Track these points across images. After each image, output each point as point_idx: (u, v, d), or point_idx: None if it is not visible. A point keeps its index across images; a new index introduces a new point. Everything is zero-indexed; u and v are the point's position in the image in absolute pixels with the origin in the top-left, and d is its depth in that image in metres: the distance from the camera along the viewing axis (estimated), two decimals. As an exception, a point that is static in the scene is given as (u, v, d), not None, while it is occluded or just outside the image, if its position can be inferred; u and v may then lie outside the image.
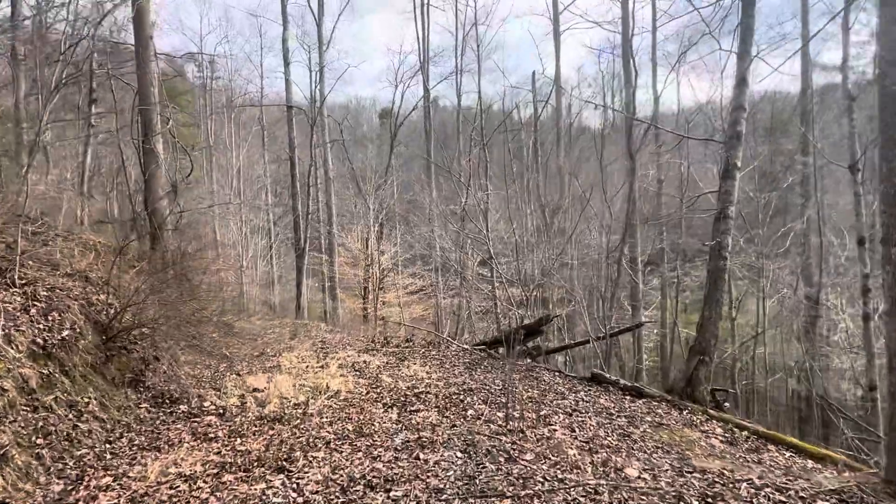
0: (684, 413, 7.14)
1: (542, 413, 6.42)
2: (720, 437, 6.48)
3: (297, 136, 25.38)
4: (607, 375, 8.05)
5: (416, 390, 7.42)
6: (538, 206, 14.08)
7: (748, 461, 5.94)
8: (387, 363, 9.39)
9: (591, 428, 6.12)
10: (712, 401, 7.81)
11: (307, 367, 8.97)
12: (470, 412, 6.34)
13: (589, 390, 7.73)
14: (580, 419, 6.36)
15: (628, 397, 7.57)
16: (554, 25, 25.15)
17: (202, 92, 33.55)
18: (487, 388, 7.54)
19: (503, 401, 6.77)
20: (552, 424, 6.06)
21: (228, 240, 25.94)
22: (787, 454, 6.31)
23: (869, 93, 10.82)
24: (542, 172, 18.11)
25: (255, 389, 7.12)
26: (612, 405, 7.10)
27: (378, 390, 7.45)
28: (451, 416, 6.18)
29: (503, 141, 24.44)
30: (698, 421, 6.92)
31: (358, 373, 8.52)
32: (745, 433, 6.70)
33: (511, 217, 12.73)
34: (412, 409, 6.52)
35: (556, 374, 8.70)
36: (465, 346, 11.08)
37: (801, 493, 4.51)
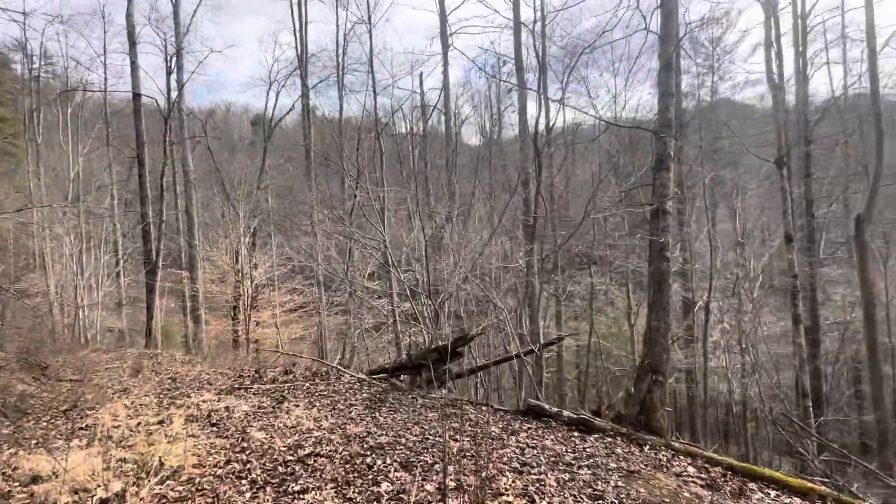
0: (646, 450, 5.79)
1: (484, 475, 4.62)
2: (699, 481, 5.17)
3: (151, 133, 21.42)
4: (546, 407, 6.51)
5: (300, 451, 5.25)
6: (447, 208, 12.49)
7: (742, 512, 4.67)
8: (259, 408, 7.02)
9: (553, 491, 4.45)
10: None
11: (139, 424, 6.31)
12: (385, 486, 4.35)
13: (529, 428, 6.11)
14: (535, 478, 4.66)
15: (576, 433, 6.08)
16: (442, 28, 24.07)
17: (33, 84, 27.66)
18: (402, 439, 5.58)
19: (429, 461, 4.87)
20: (504, 494, 4.29)
21: (59, 256, 20.99)
22: (773, 493, 5.19)
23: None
24: (453, 173, 16.64)
25: (32, 480, 4.43)
26: (564, 448, 5.53)
27: (244, 457, 5.14)
28: (358, 498, 4.14)
29: (393, 145, 22.73)
30: (665, 459, 5.60)
31: (215, 428, 6.08)
32: (719, 469, 5.50)
33: (413, 214, 10.94)
34: (296, 488, 4.37)
35: (482, 407, 6.99)
36: (361, 376, 8.99)
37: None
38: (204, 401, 7.40)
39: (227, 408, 6.98)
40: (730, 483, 5.23)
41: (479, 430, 5.64)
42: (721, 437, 18.22)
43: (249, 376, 9.25)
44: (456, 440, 5.51)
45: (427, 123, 24.66)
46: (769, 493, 5.16)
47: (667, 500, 4.60)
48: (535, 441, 5.64)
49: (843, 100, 16.15)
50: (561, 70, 15.76)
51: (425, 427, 5.98)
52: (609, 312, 22.70)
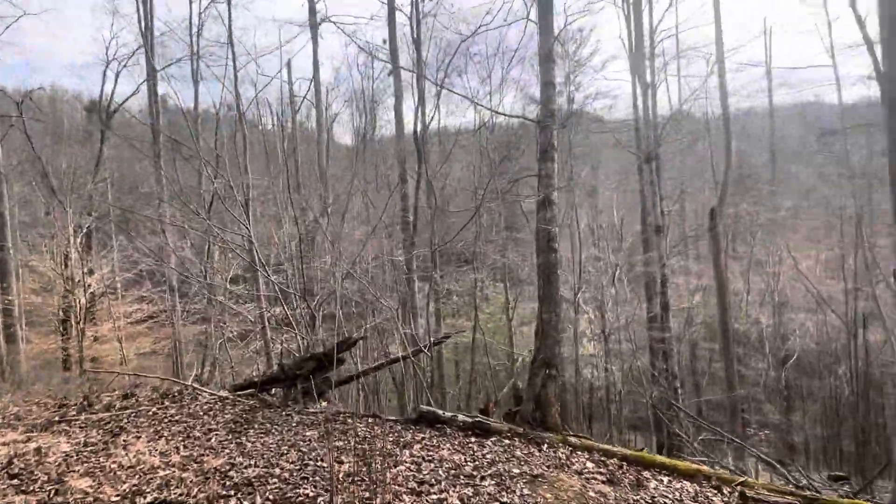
0: (545, 448, 5.53)
1: (378, 502, 3.94)
2: (600, 477, 5.00)
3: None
4: (440, 412, 5.99)
5: (140, 500, 4.11)
6: (322, 202, 11.43)
7: (644, 505, 4.55)
8: (85, 445, 5.57)
9: (458, 511, 3.92)
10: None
11: None
12: (255, 536, 3.46)
13: (423, 439, 5.53)
14: (436, 499, 4.09)
15: (473, 439, 5.63)
16: (311, 15, 22.63)
17: None
18: (275, 468, 4.66)
19: (310, 493, 4.06)
20: (404, 524, 3.65)
21: None
22: (666, 479, 5.21)
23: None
24: (326, 166, 15.45)
25: None
26: (463, 457, 5.04)
27: (56, 518, 3.87)
28: (219, 558, 3.22)
29: (259, 136, 20.79)
30: (564, 457, 5.38)
31: (16, 482, 4.61)
32: (615, 461, 5.42)
33: (282, 209, 9.77)
34: (131, 554, 3.31)
35: (370, 419, 6.26)
36: (223, 394, 7.74)
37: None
38: (4, 443, 5.71)
39: (38, 450, 5.42)
40: (627, 475, 5.14)
41: (368, 448, 4.93)
42: (586, 419, 19.39)
43: (76, 404, 7.49)
44: (341, 461, 4.74)
45: (296, 114, 23.05)
46: (662, 481, 5.16)
47: (574, 504, 4.31)
48: (431, 453, 5.07)
49: (681, 110, 18.18)
50: (440, 60, 15.49)
51: (304, 450, 5.12)
52: (484, 308, 23.13)
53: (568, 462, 5.22)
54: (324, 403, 6.86)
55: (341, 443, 5.29)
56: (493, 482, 4.50)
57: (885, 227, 10.38)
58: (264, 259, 9.57)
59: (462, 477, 4.56)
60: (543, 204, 7.18)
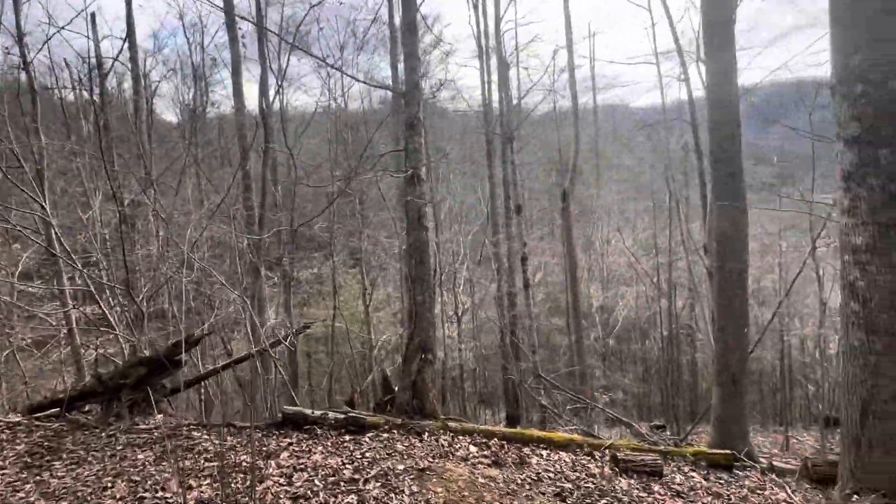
0: (427, 438, 5.20)
1: (245, 533, 3.23)
2: (485, 461, 4.83)
3: None
4: (308, 412, 5.30)
5: None
6: (143, 182, 9.59)
7: (531, 482, 4.48)
8: None
9: (344, 525, 3.38)
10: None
11: None
12: None
13: (290, 445, 4.81)
14: (317, 514, 3.50)
15: (348, 437, 5.08)
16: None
17: None
18: (96, 509, 3.62)
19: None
20: (281, 555, 3.01)
21: None
22: (545, 453, 5.24)
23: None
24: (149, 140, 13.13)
25: None
26: (340, 460, 4.47)
27: None
28: None
29: (59, 106, 17.10)
30: (447, 444, 5.11)
31: None
32: (495, 441, 5.31)
33: (90, 186, 7.92)
34: None
35: (221, 429, 5.32)
36: (14, 419, 6.05)
37: None
38: None
39: None
40: (510, 454, 5.06)
41: (223, 465, 4.10)
42: (440, 398, 19.84)
43: None
44: (191, 486, 3.86)
45: (105, 79, 19.48)
46: (542, 455, 5.18)
47: (466, 494, 4.04)
48: (302, 460, 4.41)
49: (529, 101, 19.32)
50: (284, 30, 14.10)
51: (137, 478, 4.09)
52: (337, 296, 22.23)
53: (452, 449, 4.97)
54: (160, 417, 5.70)
55: (188, 462, 4.35)
56: (379, 484, 4.04)
57: (698, 209, 12.12)
58: (69, 247, 7.72)
59: (343, 483, 4.01)
60: (412, 179, 6.80)
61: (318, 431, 5.09)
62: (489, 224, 16.69)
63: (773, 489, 5.15)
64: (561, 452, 5.31)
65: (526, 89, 15.45)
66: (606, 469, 4.96)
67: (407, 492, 3.95)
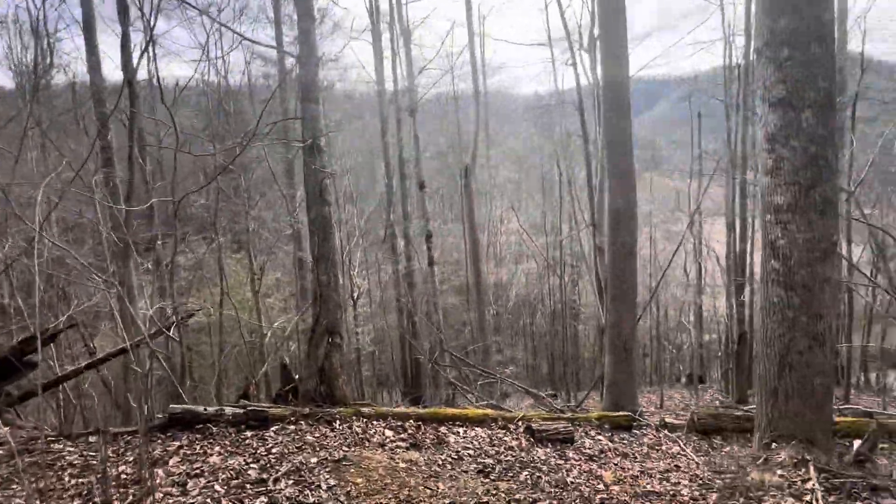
0: (338, 426, 4.84)
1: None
2: (403, 444, 4.60)
3: None
4: (200, 409, 4.66)
5: None
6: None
7: (452, 461, 4.36)
8: None
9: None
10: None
11: None
12: None
13: (179, 447, 4.19)
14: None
15: (249, 433, 4.55)
16: None
17: None
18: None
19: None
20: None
21: None
22: (461, 430, 5.15)
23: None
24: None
25: None
26: (243, 459, 3.97)
27: None
28: None
29: None
30: (361, 430, 4.80)
31: None
32: (411, 423, 5.10)
33: None
34: None
35: (89, 438, 4.51)
36: None
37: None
38: None
39: None
40: (427, 435, 4.89)
41: (98, 481, 3.43)
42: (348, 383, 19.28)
43: None
44: (53, 512, 3.17)
45: None
46: (458, 433, 5.09)
47: (388, 482, 3.79)
48: (197, 465, 3.85)
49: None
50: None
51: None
52: (220, 282, 20.54)
53: (367, 436, 4.67)
54: (5, 430, 4.69)
55: (48, 482, 3.59)
56: (291, 481, 3.63)
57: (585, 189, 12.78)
58: None
59: (249, 485, 3.55)
60: (312, 150, 6.25)
61: (214, 430, 4.50)
62: (387, 202, 16.26)
63: (668, 444, 5.54)
64: (477, 428, 5.25)
65: (421, 66, 15.17)
66: (523, 441, 4.98)
67: (324, 486, 3.60)
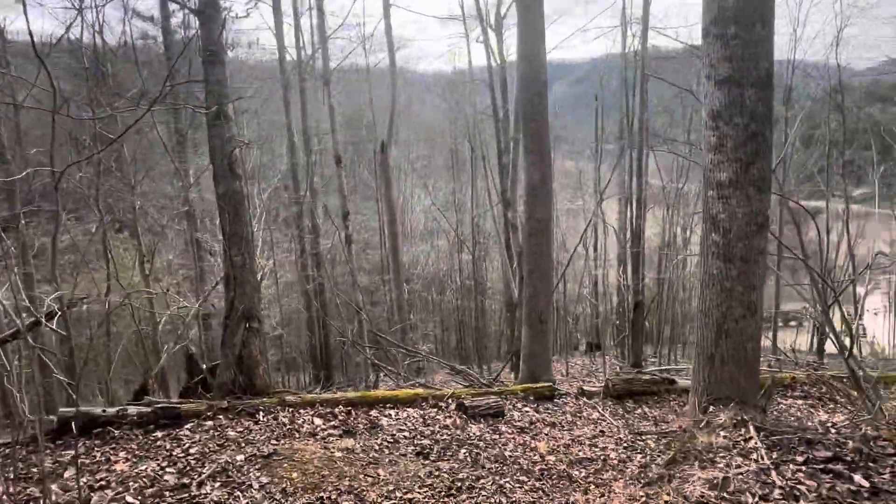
0: (262, 418, 4.48)
1: None
2: (336, 432, 4.38)
3: None
4: (96, 410, 4.07)
5: None
6: None
7: (389, 445, 4.23)
8: None
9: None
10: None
11: None
12: None
13: (76, 457, 3.61)
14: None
15: (160, 433, 4.06)
16: None
17: None
18: None
19: None
20: None
21: None
22: (392, 412, 5.02)
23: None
24: None
25: None
26: (157, 464, 3.53)
27: None
28: None
29: None
30: (289, 421, 4.49)
31: None
32: (340, 409, 4.87)
33: None
34: None
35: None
36: None
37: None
38: None
39: None
40: (359, 420, 4.70)
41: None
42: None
43: None
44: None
45: None
46: (391, 415, 4.96)
47: (325, 473, 3.57)
48: (101, 475, 3.36)
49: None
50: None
51: None
52: (103, 267, 18.41)
53: (296, 426, 4.38)
54: None
55: None
56: (218, 483, 3.30)
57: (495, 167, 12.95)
58: None
59: (168, 493, 3.16)
60: (217, 118, 5.64)
61: (116, 433, 3.97)
62: (293, 178, 15.36)
63: (588, 410, 5.83)
64: (408, 409, 5.15)
65: (331, 34, 14.32)
66: (457, 419, 4.96)
67: (255, 485, 3.30)
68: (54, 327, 4.73)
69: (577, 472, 3.86)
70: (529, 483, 3.66)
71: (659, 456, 4.33)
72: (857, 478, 1.98)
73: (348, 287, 12.04)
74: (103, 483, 3.23)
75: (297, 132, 14.72)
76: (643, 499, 2.03)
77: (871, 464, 2.08)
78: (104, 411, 4.08)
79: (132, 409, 4.16)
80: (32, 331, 4.90)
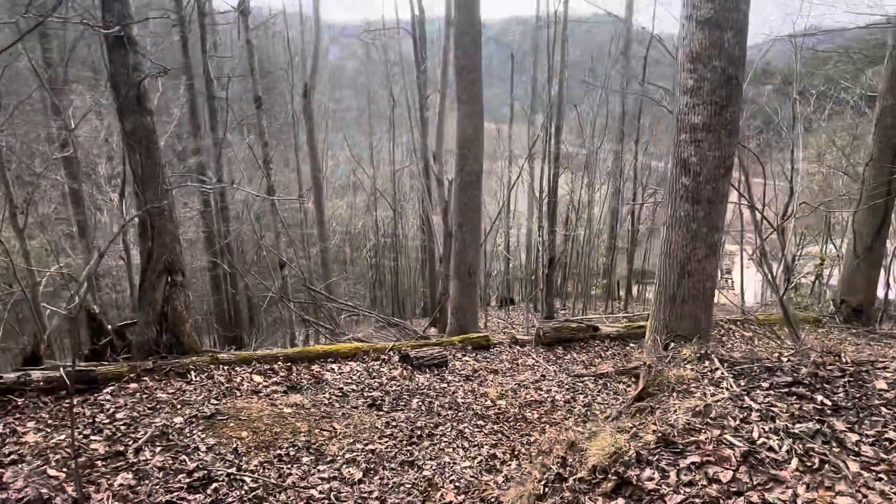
0: (195, 378, 4.08)
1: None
2: (280, 388, 4.12)
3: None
4: (-8, 377, 3.48)
5: None
6: None
7: (338, 398, 4.09)
8: None
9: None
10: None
11: None
12: None
13: (-28, 431, 3.08)
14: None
15: (77, 398, 3.57)
16: None
17: None
18: None
19: None
20: None
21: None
22: (335, 366, 4.84)
23: None
24: None
25: None
26: (79, 433, 3.10)
27: None
28: None
29: None
30: (225, 379, 4.14)
31: None
32: (280, 365, 4.59)
33: None
34: None
35: None
36: None
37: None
38: None
39: None
40: (302, 375, 4.47)
41: None
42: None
43: None
44: None
45: None
46: (333, 369, 4.78)
47: (278, 430, 3.36)
48: (10, 449, 2.88)
49: None
50: None
51: None
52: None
53: (234, 384, 4.06)
54: None
55: None
56: (159, 448, 2.97)
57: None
58: None
59: (101, 461, 2.79)
60: (120, 43, 4.86)
61: (19, 402, 3.43)
62: (189, 118, 13.91)
63: (523, 357, 6.02)
64: (350, 363, 4.99)
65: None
66: (402, 370, 4.89)
67: (202, 447, 3.02)
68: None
69: (530, 414, 3.97)
70: (487, 427, 3.71)
71: (598, 395, 4.60)
72: (819, 397, 2.18)
73: (258, 243, 11.19)
74: (15, 457, 2.78)
75: (197, 75, 13.27)
76: (633, 429, 2.08)
77: (825, 385, 2.30)
78: (1, 377, 3.49)
79: (36, 374, 3.60)
80: None
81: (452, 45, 7.85)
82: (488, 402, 4.21)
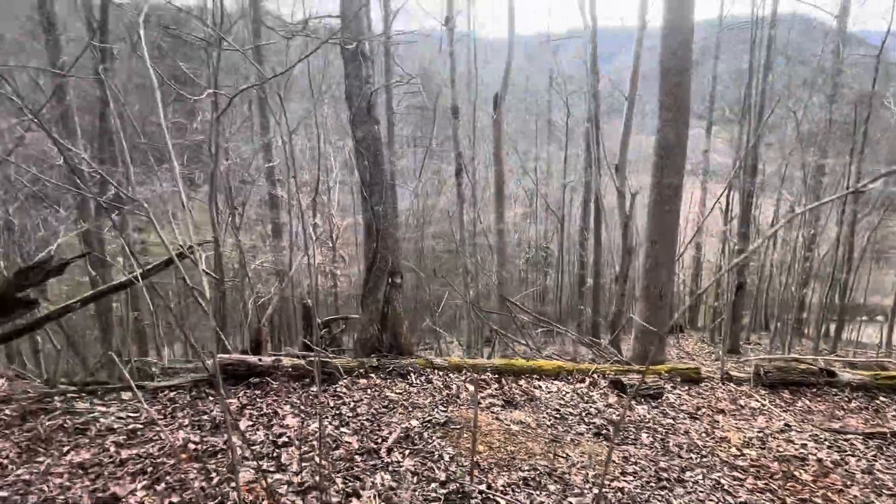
0: (415, 380, 4.14)
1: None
2: (496, 401, 3.98)
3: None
4: (254, 359, 3.82)
5: None
6: None
7: (556, 420, 3.80)
8: None
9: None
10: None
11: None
12: None
13: (244, 407, 3.39)
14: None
15: (315, 388, 3.78)
16: None
17: None
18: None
19: None
20: None
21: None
22: (543, 384, 4.58)
23: None
24: None
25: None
26: (328, 423, 3.24)
27: None
28: None
29: None
30: (442, 385, 4.12)
31: None
32: (489, 376, 4.48)
33: None
34: None
35: (123, 392, 3.63)
36: None
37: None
38: None
39: None
40: (514, 391, 4.29)
41: (171, 453, 2.63)
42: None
43: None
44: (118, 498, 2.37)
45: None
46: (541, 386, 4.53)
47: (512, 449, 3.18)
48: (277, 430, 3.09)
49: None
50: None
51: None
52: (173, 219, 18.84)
53: (452, 391, 4.02)
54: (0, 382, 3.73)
55: (88, 454, 2.75)
56: (407, 451, 2.95)
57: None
58: None
59: (358, 457, 2.84)
60: (356, 55, 5.21)
61: (274, 385, 3.73)
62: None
63: (743, 398, 5.21)
64: (556, 382, 4.71)
65: None
66: (614, 396, 4.48)
67: (446, 457, 2.95)
68: (203, 266, 4.53)
69: (797, 473, 3.30)
70: (748, 481, 3.14)
71: (876, 460, 3.72)
72: None
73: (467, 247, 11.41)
74: (285, 440, 2.95)
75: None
76: None
77: None
78: (260, 360, 3.84)
79: (286, 361, 3.90)
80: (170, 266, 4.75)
81: (660, 47, 7.24)
82: (733, 451, 3.62)
